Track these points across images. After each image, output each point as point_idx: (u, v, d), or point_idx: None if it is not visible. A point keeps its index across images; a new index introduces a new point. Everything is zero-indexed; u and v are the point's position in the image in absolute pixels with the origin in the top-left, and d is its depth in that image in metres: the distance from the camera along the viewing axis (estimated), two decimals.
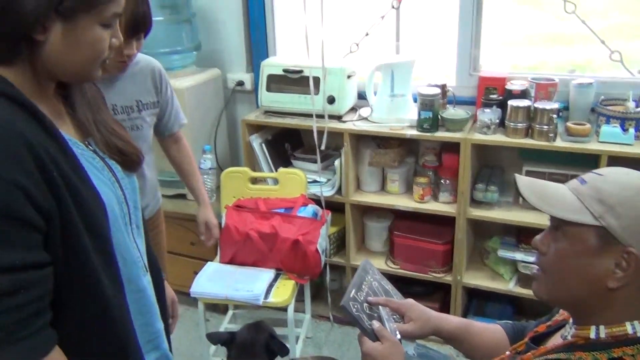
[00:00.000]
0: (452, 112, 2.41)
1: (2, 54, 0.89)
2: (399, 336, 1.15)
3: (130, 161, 1.09)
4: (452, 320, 1.23)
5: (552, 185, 0.99)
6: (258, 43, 2.80)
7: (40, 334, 0.87)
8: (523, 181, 0.99)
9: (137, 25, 1.58)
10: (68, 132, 0.99)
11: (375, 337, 1.12)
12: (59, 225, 0.88)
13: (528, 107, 2.23)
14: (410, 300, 1.24)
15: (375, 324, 1.13)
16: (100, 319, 0.95)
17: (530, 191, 0.97)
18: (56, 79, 0.96)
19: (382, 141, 2.55)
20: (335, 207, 2.56)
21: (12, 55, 0.89)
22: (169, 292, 1.38)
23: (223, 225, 2.35)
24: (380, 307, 1.20)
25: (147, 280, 1.11)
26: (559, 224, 0.94)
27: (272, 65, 2.60)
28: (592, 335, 0.92)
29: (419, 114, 2.36)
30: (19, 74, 0.90)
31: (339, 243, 2.69)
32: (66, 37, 0.89)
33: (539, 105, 2.21)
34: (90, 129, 1.03)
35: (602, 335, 0.91)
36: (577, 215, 0.91)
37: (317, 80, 2.44)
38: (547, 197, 0.95)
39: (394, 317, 1.21)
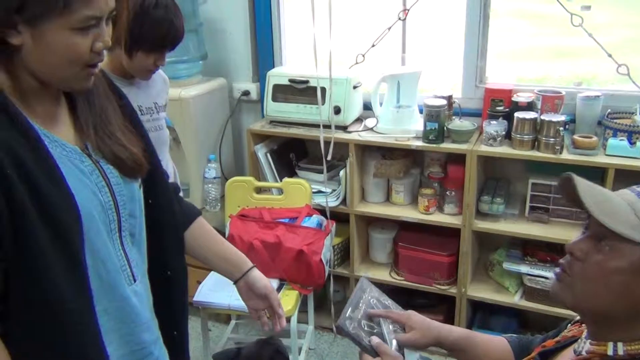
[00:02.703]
0: (458, 124, 2.41)
1: None
2: (395, 346, 1.14)
3: (126, 167, 1.06)
4: (455, 331, 1.21)
5: (609, 194, 0.92)
6: (264, 53, 2.81)
7: None
8: (582, 186, 0.89)
9: (175, 39, 1.71)
10: (62, 135, 0.99)
11: (375, 353, 1.11)
12: (8, 223, 0.87)
13: (534, 120, 2.23)
14: (411, 311, 1.23)
15: (374, 340, 1.12)
16: (53, 322, 0.94)
17: (590, 198, 0.88)
18: (43, 82, 0.95)
19: (387, 152, 2.54)
20: (339, 217, 2.55)
21: None
22: (263, 282, 1.33)
23: (227, 235, 2.34)
24: (381, 320, 1.19)
25: (132, 290, 1.07)
26: (605, 235, 0.88)
27: (278, 75, 2.61)
28: (610, 352, 0.89)
29: (425, 125, 2.36)
30: (1, 75, 0.91)
31: (343, 254, 2.68)
32: (36, 43, 0.88)
33: (546, 117, 2.20)
34: (87, 133, 1.03)
35: (620, 352, 0.88)
36: (633, 232, 0.85)
37: (323, 90, 2.44)
38: (606, 207, 0.88)
39: (395, 328, 1.19)
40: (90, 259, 0.97)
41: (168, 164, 2.00)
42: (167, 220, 1.20)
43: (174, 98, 2.50)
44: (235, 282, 1.33)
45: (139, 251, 1.11)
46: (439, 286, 2.47)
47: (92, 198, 0.99)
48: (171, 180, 2.01)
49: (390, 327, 1.18)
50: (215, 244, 1.33)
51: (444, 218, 2.43)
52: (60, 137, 0.99)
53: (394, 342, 1.15)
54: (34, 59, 0.90)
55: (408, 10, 2.60)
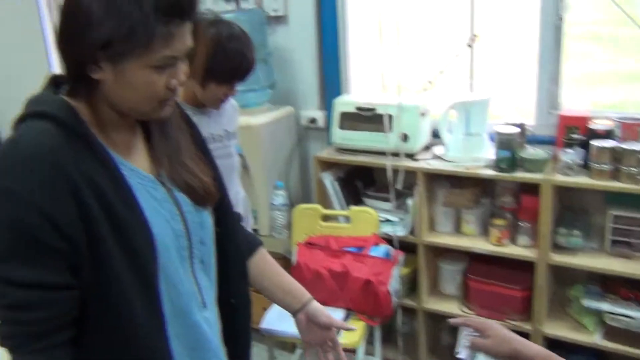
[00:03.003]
0: (531, 152, 2.32)
1: (70, 87, 0.97)
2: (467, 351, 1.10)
3: (197, 195, 1.09)
4: (533, 347, 1.16)
5: None
6: (331, 81, 2.83)
7: (55, 351, 0.91)
8: None
9: (247, 71, 1.74)
10: (137, 163, 1.03)
11: None
12: (87, 250, 0.91)
13: (614, 148, 2.12)
14: (491, 320, 1.20)
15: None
16: (128, 344, 0.97)
17: None
18: (122, 114, 0.99)
19: (457, 181, 2.48)
20: (407, 247, 2.50)
21: (76, 89, 0.96)
22: (325, 313, 1.30)
23: (294, 262, 2.34)
24: (460, 328, 1.16)
25: (203, 316, 1.09)
26: None
27: (345, 103, 2.61)
28: None
29: (496, 154, 2.29)
30: (83, 106, 0.97)
31: (411, 285, 2.62)
32: (117, 79, 0.92)
33: (626, 146, 2.09)
34: (161, 162, 1.07)
35: None
36: None
37: (390, 118, 2.42)
38: None
39: (474, 335, 1.16)
40: (164, 285, 1.00)
41: (238, 190, 2.03)
42: (232, 248, 1.21)
43: (243, 126, 2.53)
44: (294, 314, 1.31)
45: (209, 278, 1.13)
46: (511, 322, 2.37)
47: (165, 226, 1.02)
48: (241, 206, 2.05)
49: (468, 333, 1.15)
50: (275, 275, 1.33)
51: (517, 250, 2.33)
52: (136, 166, 1.03)
53: (467, 342, 1.11)
54: (113, 93, 0.94)
55: (477, 36, 2.56)
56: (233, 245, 1.21)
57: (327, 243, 2.39)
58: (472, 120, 2.42)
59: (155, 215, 1.00)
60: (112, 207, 0.93)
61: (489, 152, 2.37)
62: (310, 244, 2.39)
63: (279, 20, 2.85)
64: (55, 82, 1.01)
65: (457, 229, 2.53)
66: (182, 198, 1.07)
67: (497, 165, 2.30)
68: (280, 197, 2.71)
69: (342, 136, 2.60)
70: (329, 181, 2.61)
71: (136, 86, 0.93)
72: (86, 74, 0.92)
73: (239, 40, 1.71)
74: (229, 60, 1.69)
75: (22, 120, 0.94)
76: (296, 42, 2.85)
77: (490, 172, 2.31)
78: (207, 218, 1.12)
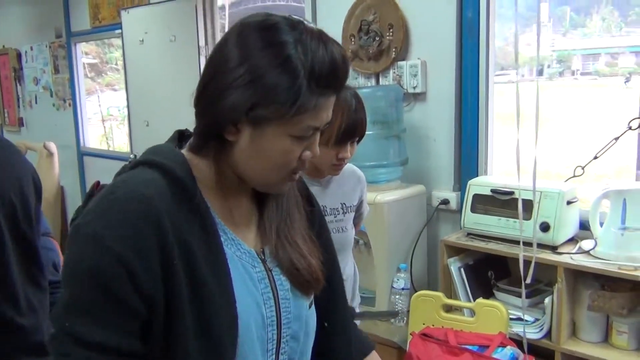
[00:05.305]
0: None
1: (197, 144, 0.92)
2: None
3: (301, 278, 0.97)
4: None
5: None
6: (468, 161, 2.65)
7: None
8: None
9: (354, 131, 1.67)
10: (241, 235, 0.95)
11: None
12: (162, 316, 0.82)
13: None
14: None
15: None
16: None
17: None
18: (243, 180, 0.93)
19: (607, 282, 2.11)
20: (542, 353, 2.14)
21: (203, 146, 0.91)
22: None
23: (406, 353, 2.12)
24: None
25: None
26: None
27: (480, 184, 2.41)
28: None
29: None
30: (205, 164, 0.92)
31: None
32: (253, 143, 0.87)
33: None
34: (269, 236, 0.98)
35: None
36: None
37: (529, 203, 2.16)
38: None
39: None
40: None
41: (348, 263, 1.91)
42: (340, 348, 1.08)
43: (370, 202, 2.44)
44: None
45: None
46: None
47: (254, 309, 0.91)
48: (349, 282, 1.92)
49: None
50: None
51: None
52: (239, 237, 0.94)
53: None
54: (243, 157, 0.89)
55: None
56: (341, 345, 1.08)
57: (445, 337, 2.13)
58: (629, 212, 2.08)
59: (246, 295, 0.90)
60: (200, 276, 0.84)
61: None
62: (425, 335, 2.16)
63: (417, 97, 2.77)
64: (180, 137, 0.98)
65: (606, 339, 2.12)
66: (281, 282, 0.96)
67: None
68: (402, 281, 2.52)
69: (474, 220, 2.38)
70: (455, 268, 2.38)
71: (270, 153, 0.88)
72: (220, 134, 0.88)
73: (357, 103, 1.68)
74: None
75: (133, 166, 0.91)
76: (434, 119, 2.74)
77: None
78: (305, 310, 0.99)
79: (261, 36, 0.85)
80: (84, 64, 5.39)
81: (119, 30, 4.39)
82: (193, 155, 0.92)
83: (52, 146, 4.81)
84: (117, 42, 4.88)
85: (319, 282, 1.00)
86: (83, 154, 5.27)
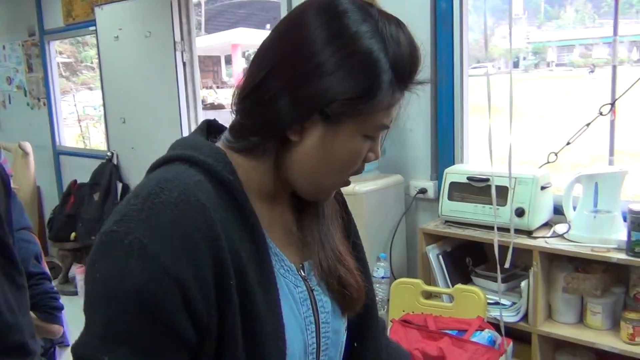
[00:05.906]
0: None
1: (252, 145, 0.79)
2: None
3: (348, 297, 0.87)
4: None
5: None
6: (445, 150, 2.68)
7: None
8: None
9: None
10: (282, 248, 0.83)
11: None
12: (214, 343, 0.70)
13: None
14: None
15: None
16: None
17: None
18: (288, 185, 0.83)
19: (581, 264, 2.16)
20: (519, 336, 2.19)
21: (254, 149, 0.79)
22: None
23: None
24: None
25: None
26: None
27: (456, 172, 2.44)
28: None
29: (630, 235, 1.97)
30: (250, 167, 0.80)
31: None
32: (322, 143, 0.77)
33: None
34: (313, 249, 0.86)
35: None
36: None
37: (504, 190, 2.20)
38: None
39: None
40: None
41: None
42: None
43: (349, 193, 2.45)
44: None
45: None
46: None
47: (299, 338, 0.80)
48: None
49: None
50: None
51: None
52: (280, 250, 0.83)
53: None
54: (305, 159, 0.79)
55: (612, 104, 2.29)
56: None
57: (424, 322, 2.17)
58: (601, 196, 2.13)
59: (292, 319, 0.79)
60: (252, 300, 0.72)
61: (622, 234, 2.05)
62: (406, 322, 2.19)
63: None
64: (209, 129, 0.85)
65: (581, 320, 2.17)
66: (322, 303, 0.85)
67: (630, 249, 1.97)
68: (381, 270, 2.55)
69: (451, 208, 2.42)
70: (433, 255, 2.41)
71: (341, 155, 0.78)
72: (283, 132, 0.77)
73: None
74: None
75: (166, 162, 0.76)
76: (410, 109, 2.76)
77: (621, 257, 1.98)
78: (342, 332, 0.90)
79: (340, 24, 0.75)
80: (58, 63, 5.33)
81: (93, 27, 4.35)
82: (235, 154, 0.80)
83: (28, 146, 4.75)
84: (92, 40, 4.84)
85: (362, 300, 0.90)
86: (59, 153, 5.21)
